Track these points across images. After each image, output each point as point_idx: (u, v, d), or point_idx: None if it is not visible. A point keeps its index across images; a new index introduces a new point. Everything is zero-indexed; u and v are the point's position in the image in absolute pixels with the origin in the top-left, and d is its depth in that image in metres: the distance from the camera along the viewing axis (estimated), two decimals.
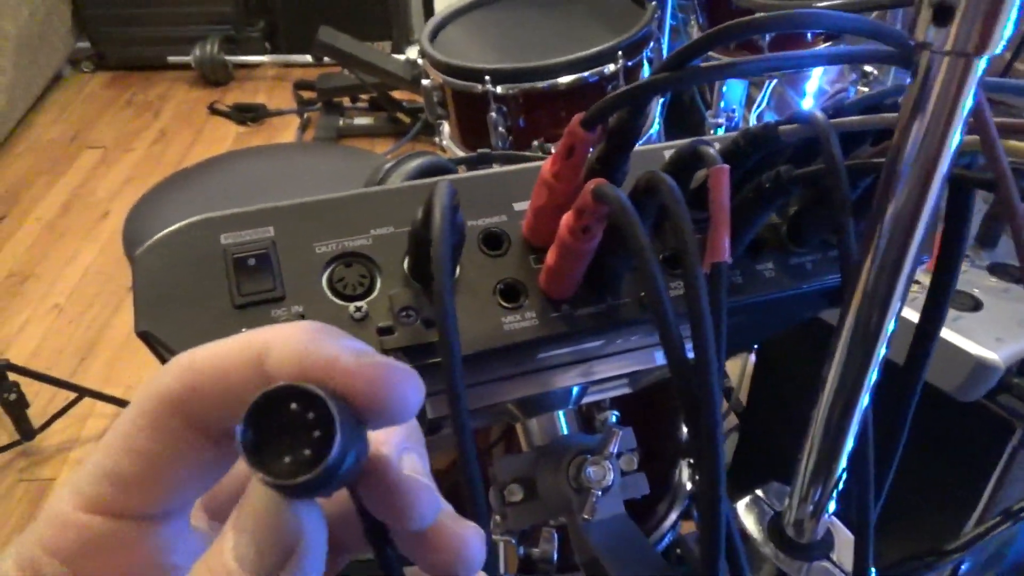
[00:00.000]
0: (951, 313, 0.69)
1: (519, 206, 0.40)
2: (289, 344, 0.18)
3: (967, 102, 0.24)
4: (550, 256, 0.36)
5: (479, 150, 0.77)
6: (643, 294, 0.39)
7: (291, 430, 0.17)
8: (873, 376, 0.31)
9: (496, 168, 0.41)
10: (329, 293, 0.36)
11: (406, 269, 0.37)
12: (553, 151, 0.36)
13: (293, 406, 0.17)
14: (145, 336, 0.34)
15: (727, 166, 0.32)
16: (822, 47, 1.20)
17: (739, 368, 1.32)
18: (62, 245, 2.39)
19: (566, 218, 0.34)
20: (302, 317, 0.35)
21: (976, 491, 0.72)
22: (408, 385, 0.18)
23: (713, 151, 0.34)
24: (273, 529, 0.18)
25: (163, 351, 0.34)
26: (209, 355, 0.19)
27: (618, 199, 0.30)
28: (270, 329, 0.19)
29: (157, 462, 0.19)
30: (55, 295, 2.21)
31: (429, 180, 0.39)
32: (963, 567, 0.68)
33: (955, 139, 0.25)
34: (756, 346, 1.03)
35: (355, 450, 0.18)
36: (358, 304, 0.36)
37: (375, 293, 0.36)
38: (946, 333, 0.66)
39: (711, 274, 0.31)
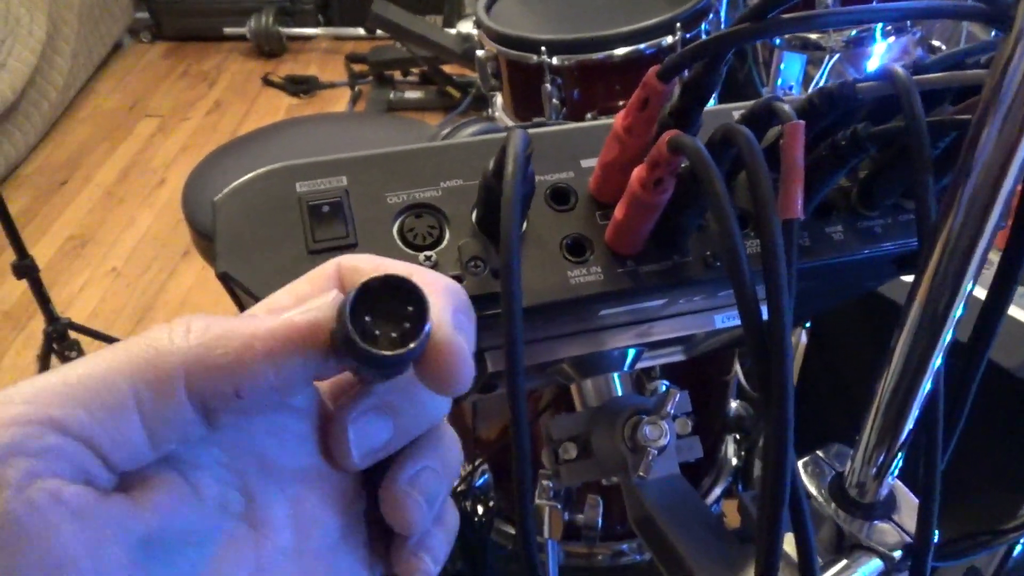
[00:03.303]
0: (1020, 289, 0.67)
1: (586, 163, 0.40)
2: None
3: None
4: (618, 211, 0.36)
5: (535, 119, 0.77)
6: (708, 253, 0.39)
7: (385, 316, 0.21)
8: (948, 337, 0.31)
9: (564, 124, 0.41)
10: (399, 242, 0.37)
11: (474, 221, 0.37)
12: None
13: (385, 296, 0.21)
14: (224, 278, 0.35)
15: (802, 122, 0.31)
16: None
17: None
18: (120, 210, 2.46)
19: (638, 171, 0.34)
20: None
21: None
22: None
23: (788, 107, 0.34)
24: None
25: (241, 292, 0.36)
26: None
27: (696, 149, 0.30)
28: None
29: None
30: (113, 258, 2.28)
31: (499, 135, 0.40)
32: (1018, 548, 0.67)
33: None
34: (807, 324, 1.02)
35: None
36: (428, 253, 0.36)
37: (444, 243, 0.37)
38: (1016, 312, 0.65)
39: (783, 230, 0.31)
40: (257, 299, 0.36)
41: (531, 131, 0.42)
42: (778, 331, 0.28)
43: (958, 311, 0.29)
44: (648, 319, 0.46)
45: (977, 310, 0.37)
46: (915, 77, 0.33)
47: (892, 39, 1.29)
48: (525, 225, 0.38)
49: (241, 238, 0.36)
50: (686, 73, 0.35)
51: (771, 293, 0.28)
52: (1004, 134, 0.27)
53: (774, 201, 0.29)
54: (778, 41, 1.28)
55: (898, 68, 0.32)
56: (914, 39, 1.36)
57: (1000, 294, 0.37)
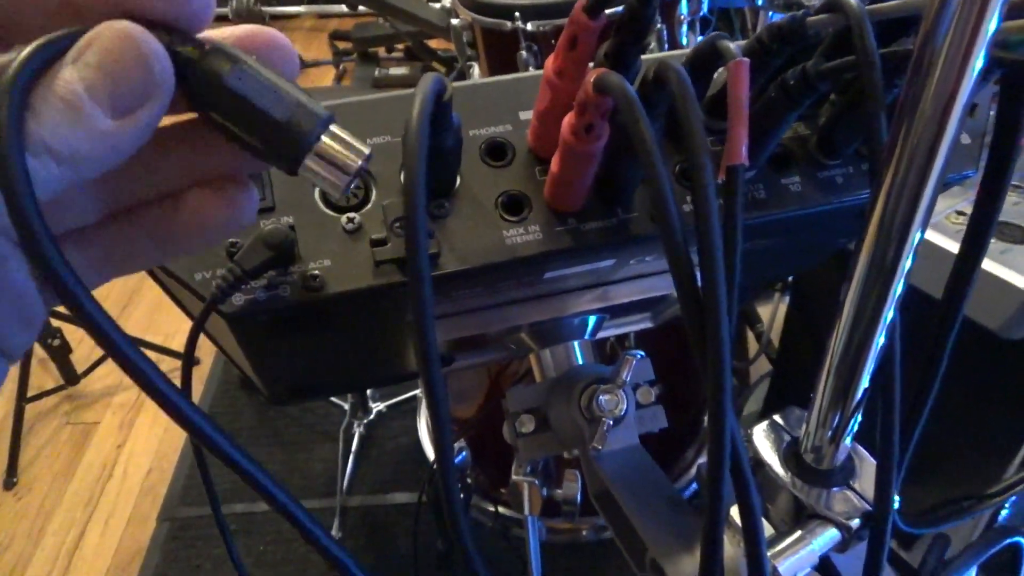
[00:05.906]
0: (999, 245, 0.65)
1: (525, 115, 0.37)
2: None
3: None
4: (554, 163, 0.33)
5: None
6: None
7: None
8: (899, 287, 0.28)
9: (501, 76, 0.38)
10: (321, 204, 0.34)
11: (403, 180, 0.35)
12: None
13: None
14: None
15: (747, 59, 0.29)
16: None
17: (771, 310, 1.28)
18: None
19: (568, 117, 0.31)
20: (292, 228, 0.33)
21: (1019, 434, 0.68)
22: None
23: (733, 46, 0.31)
24: (132, 68, 0.18)
25: (161, 275, 0.33)
26: None
27: (622, 87, 0.27)
28: None
29: None
30: None
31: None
32: (1003, 513, 0.65)
33: (996, 11, 0.22)
34: (788, 292, 0.99)
35: None
36: (351, 215, 0.34)
37: (370, 204, 0.34)
38: (993, 267, 0.62)
39: (727, 179, 0.28)
40: (179, 281, 0.33)
41: (469, 83, 0.39)
42: (711, 289, 0.25)
43: (908, 260, 0.27)
44: (600, 282, 0.43)
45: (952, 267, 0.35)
46: (868, 7, 0.30)
47: None
48: (458, 182, 0.36)
49: None
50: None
51: (703, 248, 0.26)
52: (947, 65, 0.24)
53: (706, 141, 0.26)
54: (760, 1, 1.25)
55: None
56: None
57: (973, 246, 0.35)
